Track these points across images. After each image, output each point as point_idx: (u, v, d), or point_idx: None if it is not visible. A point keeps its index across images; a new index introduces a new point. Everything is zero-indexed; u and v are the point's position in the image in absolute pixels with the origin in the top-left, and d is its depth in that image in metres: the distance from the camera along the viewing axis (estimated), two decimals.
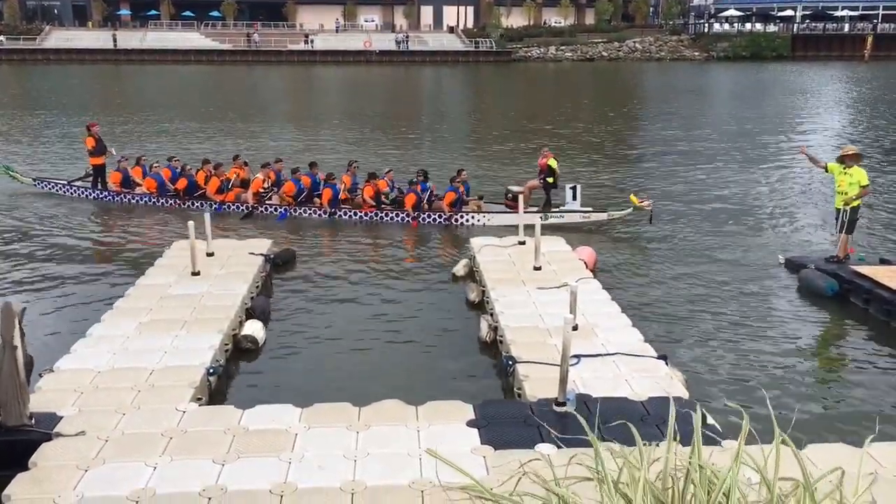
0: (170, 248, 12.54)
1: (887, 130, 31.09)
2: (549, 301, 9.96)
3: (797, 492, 2.86)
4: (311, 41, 77.82)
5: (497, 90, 54.36)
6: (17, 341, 6.35)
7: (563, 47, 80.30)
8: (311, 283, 12.41)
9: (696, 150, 26.23)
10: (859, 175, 11.98)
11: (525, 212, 15.67)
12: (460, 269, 12.60)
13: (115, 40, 73.40)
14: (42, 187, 18.63)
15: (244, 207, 16.48)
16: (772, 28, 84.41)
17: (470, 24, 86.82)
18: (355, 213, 16.02)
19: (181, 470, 5.97)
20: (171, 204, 17.10)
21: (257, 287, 11.16)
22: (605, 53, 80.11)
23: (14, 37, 73.65)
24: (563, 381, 6.91)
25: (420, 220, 15.71)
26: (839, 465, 3.35)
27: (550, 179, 16.20)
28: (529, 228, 12.11)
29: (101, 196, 17.80)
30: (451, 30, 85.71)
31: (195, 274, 10.94)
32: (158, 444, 6.36)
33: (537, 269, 11.30)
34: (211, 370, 8.01)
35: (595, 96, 47.74)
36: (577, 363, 7.86)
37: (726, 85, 57.19)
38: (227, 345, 8.98)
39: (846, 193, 12.04)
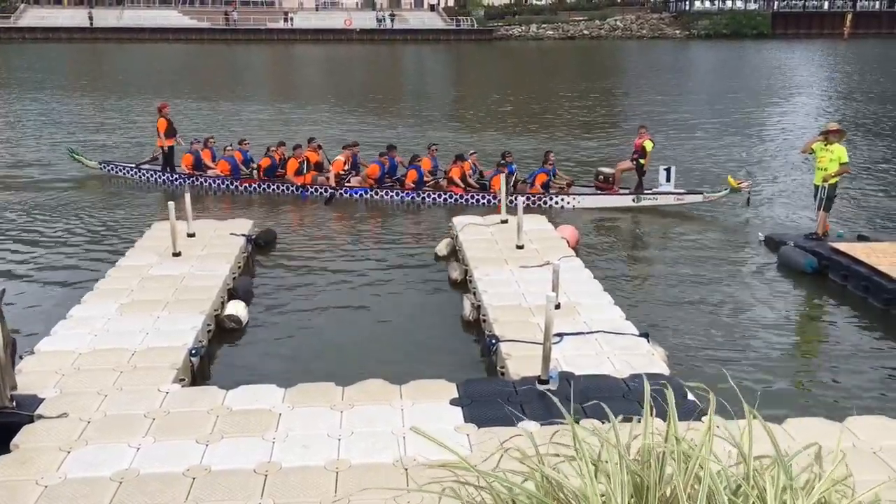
0: (150, 228, 12.44)
1: (866, 109, 31.27)
2: (532, 280, 9.99)
3: (773, 466, 2.91)
4: (291, 19, 76.87)
5: (490, 70, 54.08)
6: None
7: (544, 25, 79.76)
8: (293, 262, 12.37)
9: (676, 125, 26.28)
10: (840, 152, 12.06)
11: (617, 194, 15.55)
12: (443, 248, 12.59)
13: (91, 18, 72.20)
14: (109, 171, 18.02)
15: (322, 190, 16.17)
16: (752, 6, 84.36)
17: (451, 2, 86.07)
18: (439, 195, 15.82)
19: (165, 451, 5.96)
20: (244, 187, 16.49)
21: (239, 267, 11.11)
22: (586, 32, 79.65)
23: None
24: (546, 359, 6.95)
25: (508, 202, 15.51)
26: (817, 439, 3.42)
27: (643, 161, 15.64)
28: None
29: (171, 180, 17.11)
30: (432, 8, 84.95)
31: (176, 255, 10.87)
32: (141, 426, 6.34)
33: (520, 247, 11.33)
34: (193, 351, 7.98)
35: (581, 74, 47.58)
36: (559, 341, 7.90)
37: (709, 62, 57.25)
38: (209, 325, 8.94)
39: (826, 170, 12.12)
